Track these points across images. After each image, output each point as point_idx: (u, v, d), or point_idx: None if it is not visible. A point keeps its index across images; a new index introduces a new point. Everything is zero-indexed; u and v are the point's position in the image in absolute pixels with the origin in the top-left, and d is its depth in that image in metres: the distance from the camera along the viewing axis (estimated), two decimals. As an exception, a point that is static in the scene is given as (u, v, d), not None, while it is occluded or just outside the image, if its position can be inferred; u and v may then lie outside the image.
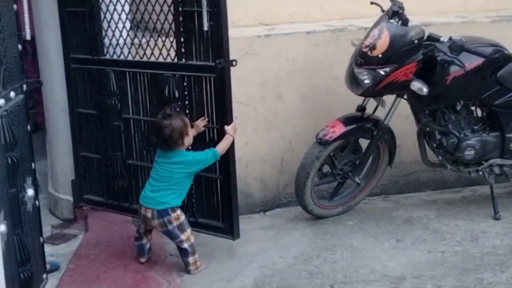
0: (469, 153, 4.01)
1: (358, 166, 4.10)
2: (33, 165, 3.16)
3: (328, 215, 4.17)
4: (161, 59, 3.72)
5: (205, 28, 3.45)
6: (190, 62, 3.60)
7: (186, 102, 3.67)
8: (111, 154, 3.97)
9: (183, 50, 3.61)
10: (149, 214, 3.51)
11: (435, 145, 4.05)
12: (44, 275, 3.28)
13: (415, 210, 4.27)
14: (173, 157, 3.50)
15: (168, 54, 3.70)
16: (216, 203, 3.72)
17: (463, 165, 4.09)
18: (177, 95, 3.66)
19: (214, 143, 3.60)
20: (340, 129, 3.93)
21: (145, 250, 3.66)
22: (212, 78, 3.56)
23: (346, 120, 3.99)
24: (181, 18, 3.58)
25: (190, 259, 3.54)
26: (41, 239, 3.26)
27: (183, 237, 3.51)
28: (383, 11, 3.94)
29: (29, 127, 3.14)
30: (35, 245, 3.14)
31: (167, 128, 3.44)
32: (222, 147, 3.56)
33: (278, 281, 3.47)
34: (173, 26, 3.64)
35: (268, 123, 4.39)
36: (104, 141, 3.99)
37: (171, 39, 3.67)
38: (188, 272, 3.55)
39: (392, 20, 3.84)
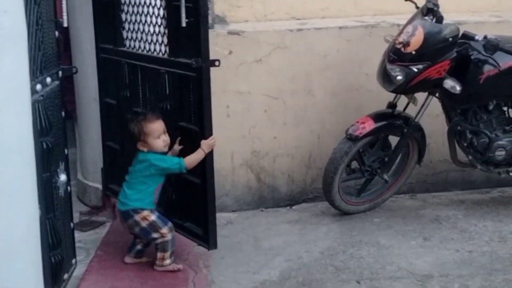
0: (500, 154, 3.98)
1: (387, 163, 4.09)
2: (66, 151, 3.19)
3: (355, 212, 4.16)
4: (160, 55, 3.64)
5: (183, 24, 3.31)
6: (176, 59, 3.49)
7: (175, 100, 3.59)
8: (124, 147, 3.98)
9: (170, 46, 3.53)
10: (120, 217, 3.56)
11: (465, 144, 4.02)
12: (73, 260, 3.32)
13: (442, 209, 4.25)
14: (137, 157, 3.52)
15: (166, 50, 3.60)
16: (196, 208, 3.59)
17: (493, 165, 4.06)
18: (167, 91, 3.59)
19: (192, 146, 3.48)
20: (370, 125, 3.92)
21: (132, 250, 3.61)
22: (192, 77, 3.42)
23: (377, 117, 3.97)
24: (166, 13, 3.51)
25: (158, 255, 3.50)
26: (72, 224, 3.29)
27: (155, 235, 3.47)
28: (417, 8, 3.92)
29: (63, 113, 3.17)
30: (66, 230, 3.18)
31: (129, 130, 3.51)
32: (191, 160, 3.45)
33: (304, 274, 3.47)
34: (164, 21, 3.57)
35: (297, 118, 4.38)
36: (121, 133, 4.01)
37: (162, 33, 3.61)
38: (153, 266, 3.53)
39: (426, 17, 3.81)
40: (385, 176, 4.07)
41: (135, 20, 3.82)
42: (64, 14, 3.08)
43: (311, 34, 4.33)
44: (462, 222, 4.05)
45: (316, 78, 4.36)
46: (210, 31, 3.94)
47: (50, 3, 3.01)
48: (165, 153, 3.52)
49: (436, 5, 3.83)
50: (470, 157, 4.06)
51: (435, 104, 4.08)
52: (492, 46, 3.66)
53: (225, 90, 4.22)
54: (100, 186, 4.36)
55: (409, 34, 3.75)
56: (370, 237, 3.86)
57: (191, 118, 3.55)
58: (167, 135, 3.50)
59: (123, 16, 3.90)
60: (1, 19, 1.78)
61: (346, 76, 4.39)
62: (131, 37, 3.88)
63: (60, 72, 3.13)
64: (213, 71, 3.41)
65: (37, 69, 2.84)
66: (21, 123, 2.01)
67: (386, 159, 4.08)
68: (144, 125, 3.45)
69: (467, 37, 3.78)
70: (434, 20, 3.79)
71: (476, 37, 3.73)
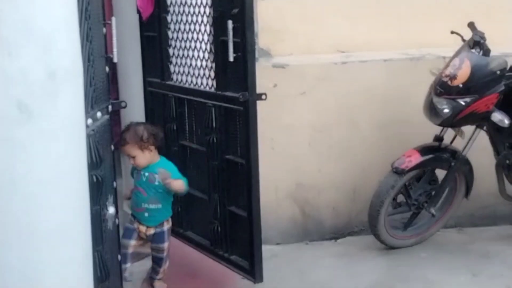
0: (550, 188, 3.90)
1: (434, 197, 4.04)
2: (114, 183, 3.23)
3: (401, 246, 4.11)
4: (207, 89, 3.70)
5: (230, 59, 3.37)
6: (223, 92, 3.54)
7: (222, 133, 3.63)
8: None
9: (217, 80, 3.59)
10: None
11: (514, 178, 3.96)
12: (120, 292, 3.33)
13: (491, 244, 4.17)
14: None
15: (213, 84, 3.66)
16: (241, 241, 3.59)
17: (543, 200, 3.98)
18: (214, 125, 3.63)
19: (238, 179, 3.54)
20: (416, 158, 3.88)
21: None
22: (239, 111, 3.47)
23: (423, 150, 3.94)
24: (214, 48, 3.56)
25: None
26: (119, 257, 3.31)
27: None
28: (463, 40, 3.90)
29: (112, 147, 3.22)
30: (114, 262, 3.20)
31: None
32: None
33: (351, 309, 3.44)
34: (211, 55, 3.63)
35: (342, 150, 4.37)
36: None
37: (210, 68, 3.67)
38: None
39: (473, 50, 3.79)
40: (432, 210, 4.02)
41: (183, 55, 3.89)
42: (115, 49, 3.15)
43: (356, 67, 4.34)
44: (512, 257, 3.97)
45: (361, 111, 4.35)
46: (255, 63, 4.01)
47: (101, 40, 3.07)
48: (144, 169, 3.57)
49: (483, 38, 3.80)
50: (519, 191, 3.99)
51: (482, 137, 4.03)
52: (541, 79, 3.61)
53: (270, 122, 4.22)
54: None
55: (456, 67, 3.73)
56: (417, 272, 3.81)
57: (238, 152, 3.58)
58: (131, 157, 3.58)
59: (171, 51, 3.98)
60: (61, 60, 1.83)
61: (391, 108, 4.37)
62: (178, 71, 3.95)
63: (110, 107, 3.18)
64: (258, 104, 3.45)
65: (89, 104, 2.88)
66: (77, 158, 2.06)
67: (433, 192, 4.04)
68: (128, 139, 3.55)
69: (516, 70, 3.74)
70: (481, 53, 3.77)
71: (525, 70, 3.69)
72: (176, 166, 3.62)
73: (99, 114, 3.01)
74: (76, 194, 2.09)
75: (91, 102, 2.91)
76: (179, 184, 3.52)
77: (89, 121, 2.86)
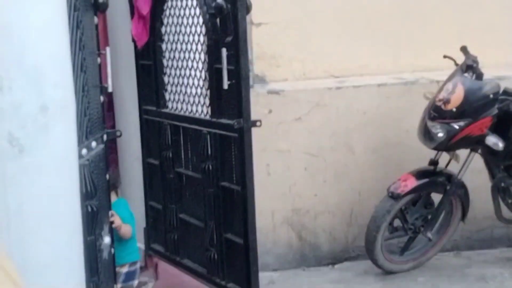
0: (546, 210, 3.90)
1: (430, 221, 4.04)
2: (110, 213, 3.23)
3: (399, 271, 4.10)
4: (202, 116, 3.70)
5: (225, 86, 3.37)
6: (218, 120, 3.54)
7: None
8: (167, 206, 4.02)
9: (212, 107, 3.59)
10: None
11: (510, 201, 3.96)
12: (116, 323, 3.32)
13: (488, 267, 4.16)
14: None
15: (208, 111, 3.65)
16: (238, 268, 3.55)
17: (539, 222, 3.98)
18: (209, 152, 3.63)
19: (234, 206, 3.53)
20: (412, 183, 3.89)
21: None
22: (234, 138, 3.45)
23: (418, 174, 3.95)
24: (208, 75, 3.58)
25: None
26: (115, 287, 3.30)
27: None
28: (456, 64, 3.93)
29: (107, 176, 3.22)
30: (109, 292, 3.19)
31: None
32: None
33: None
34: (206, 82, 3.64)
35: (337, 175, 4.38)
36: (163, 193, 4.05)
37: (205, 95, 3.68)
38: None
39: (466, 74, 3.81)
40: (429, 234, 4.02)
41: (178, 83, 3.91)
42: (109, 79, 3.17)
43: (350, 92, 4.37)
44: (509, 281, 3.95)
45: (356, 135, 4.37)
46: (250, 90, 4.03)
47: (96, 70, 3.10)
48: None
49: (476, 62, 3.83)
50: (515, 213, 3.99)
51: (478, 160, 4.04)
52: (534, 102, 3.64)
53: (265, 148, 4.25)
54: (142, 246, 4.38)
55: (449, 92, 3.75)
56: (415, 296, 3.80)
57: (233, 178, 3.58)
58: None
59: (166, 79, 4.00)
60: (52, 93, 1.85)
61: (386, 132, 4.39)
62: (174, 99, 3.97)
63: (105, 136, 3.20)
64: (253, 130, 3.45)
65: (83, 134, 2.90)
66: (69, 191, 2.06)
67: (429, 216, 4.04)
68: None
69: (509, 93, 3.77)
70: (474, 77, 3.80)
71: (518, 93, 3.71)
72: (127, 207, 3.80)
73: (94, 143, 3.02)
74: (69, 227, 2.09)
75: (86, 132, 2.93)
76: (127, 230, 3.74)
77: (84, 151, 2.87)
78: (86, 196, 2.86)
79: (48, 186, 1.90)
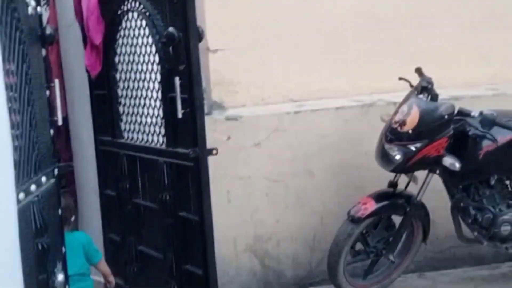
0: (506, 229, 3.91)
1: (392, 243, 4.02)
2: (63, 249, 3.14)
3: (363, 294, 4.07)
4: (158, 145, 3.66)
5: (179, 115, 3.34)
6: (174, 149, 3.51)
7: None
8: (126, 238, 3.95)
9: (168, 136, 3.56)
10: None
11: (470, 220, 3.96)
12: None
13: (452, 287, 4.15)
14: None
15: (163, 141, 3.62)
16: None
17: (499, 241, 3.99)
18: (166, 182, 3.59)
19: (192, 236, 3.48)
20: (372, 206, 3.87)
21: None
22: (190, 167, 3.42)
23: (378, 197, 3.93)
24: (163, 104, 3.55)
25: None
26: (71, 325, 3.21)
27: None
28: (411, 86, 3.94)
29: (59, 211, 3.14)
30: (65, 331, 3.09)
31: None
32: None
33: None
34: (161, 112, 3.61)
35: (299, 200, 4.35)
36: (122, 224, 3.98)
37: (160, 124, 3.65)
38: None
39: (421, 96, 3.83)
40: (391, 257, 4.00)
41: (133, 112, 3.87)
42: (59, 112, 3.10)
43: (309, 116, 4.35)
44: (473, 300, 3.95)
45: (316, 159, 4.35)
46: (208, 117, 4.00)
47: (45, 103, 3.03)
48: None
49: (431, 83, 3.85)
50: (475, 233, 3.99)
51: (437, 179, 4.04)
52: (488, 121, 3.66)
53: (225, 175, 4.20)
54: (102, 279, 4.29)
55: (405, 113, 3.76)
56: (379, 321, 3.76)
57: (191, 208, 3.53)
58: None
59: (121, 108, 3.95)
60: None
61: (345, 155, 4.38)
62: (129, 129, 3.92)
63: (56, 170, 3.12)
64: (212, 157, 3.41)
65: (31, 170, 2.82)
66: (7, 236, 1.97)
67: (390, 239, 4.02)
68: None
69: (463, 113, 3.79)
70: (429, 98, 3.81)
71: (472, 113, 3.73)
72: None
73: (44, 179, 2.94)
74: (6, 275, 2.00)
75: (34, 167, 2.85)
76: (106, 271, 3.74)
77: (33, 187, 2.79)
78: (36, 234, 2.78)
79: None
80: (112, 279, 3.72)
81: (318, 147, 4.34)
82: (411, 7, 4.68)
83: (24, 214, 2.61)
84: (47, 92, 3.10)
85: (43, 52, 3.06)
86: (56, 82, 3.10)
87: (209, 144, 3.42)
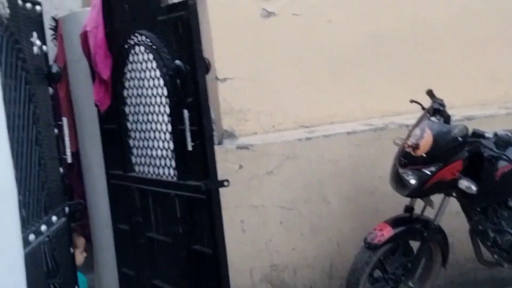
0: (526, 251, 3.83)
1: (411, 269, 3.94)
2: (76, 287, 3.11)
3: (383, 322, 3.98)
4: (169, 178, 3.63)
5: (189, 148, 3.31)
6: (185, 182, 3.47)
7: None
8: (140, 272, 3.91)
9: (179, 169, 3.53)
10: None
11: (489, 243, 3.88)
12: None
13: (474, 311, 4.07)
14: None
15: (174, 173, 3.58)
16: None
17: (521, 263, 3.90)
18: (178, 215, 3.55)
19: (206, 269, 3.42)
20: (388, 232, 3.80)
21: None
22: (201, 199, 3.37)
23: (395, 222, 3.86)
24: (173, 137, 3.53)
25: None
26: None
27: None
28: (423, 109, 3.89)
29: (71, 249, 3.12)
30: None
31: None
32: None
33: None
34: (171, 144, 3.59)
35: (314, 227, 4.29)
36: (135, 258, 3.94)
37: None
38: None
39: (433, 118, 3.77)
40: (410, 283, 3.91)
41: (143, 145, 3.84)
42: (68, 150, 3.09)
43: (320, 142, 4.31)
44: (496, 324, 3.86)
45: (329, 185, 4.30)
46: (219, 147, 3.99)
47: (53, 141, 3.02)
48: None
49: (443, 105, 3.80)
50: (495, 256, 3.91)
51: (454, 202, 3.97)
52: (503, 142, 3.60)
53: (238, 205, 4.16)
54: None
55: (418, 137, 3.70)
56: None
57: (204, 241, 3.48)
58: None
59: (131, 142, 3.93)
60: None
61: (359, 180, 4.32)
62: (140, 162, 3.89)
63: (66, 209, 3.10)
64: (225, 187, 3.37)
65: (41, 210, 2.81)
66: (12, 280, 1.95)
67: (409, 265, 3.93)
68: (76, 238, 3.43)
69: (477, 135, 3.72)
70: (441, 120, 3.75)
71: (486, 135, 3.67)
72: None
73: (54, 218, 2.93)
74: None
75: (44, 207, 2.83)
76: None
77: (43, 227, 2.77)
78: (48, 274, 2.76)
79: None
80: None
81: (331, 172, 4.29)
82: (419, 28, 4.65)
83: (34, 256, 2.60)
84: (56, 130, 3.09)
85: (50, 90, 3.06)
86: (64, 120, 3.10)
87: (221, 173, 3.39)
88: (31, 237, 2.53)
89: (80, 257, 3.66)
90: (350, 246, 4.19)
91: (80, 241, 3.78)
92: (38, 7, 2.93)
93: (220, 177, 3.37)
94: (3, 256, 1.82)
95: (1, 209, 1.83)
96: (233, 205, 4.05)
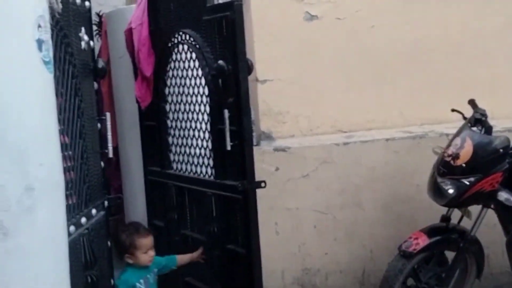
0: None
1: (445, 279, 3.90)
2: (112, 281, 3.15)
3: (415, 331, 3.95)
4: (206, 177, 3.65)
5: (228, 147, 3.32)
6: (222, 181, 3.48)
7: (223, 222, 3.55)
8: (173, 270, 3.92)
9: (216, 168, 3.54)
10: None
11: (526, 257, 3.83)
12: None
13: (508, 325, 4.01)
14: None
15: (212, 172, 3.60)
16: None
17: (558, 278, 3.84)
18: (214, 214, 3.57)
19: (240, 269, 3.44)
20: (424, 241, 3.77)
21: None
22: (238, 199, 3.38)
23: (430, 231, 3.82)
24: (212, 136, 3.55)
25: None
26: None
27: None
28: (465, 118, 3.85)
29: (109, 243, 3.16)
30: None
31: (119, 241, 3.45)
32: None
33: None
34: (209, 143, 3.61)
35: (348, 232, 4.28)
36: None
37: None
38: None
39: (474, 128, 3.73)
40: (444, 293, 3.88)
41: (182, 143, 3.87)
42: (109, 144, 3.13)
43: (358, 147, 4.30)
44: None
45: (365, 191, 4.28)
46: (256, 148, 3.99)
47: (96, 135, 3.07)
48: (148, 268, 3.48)
49: (484, 115, 3.75)
50: (532, 270, 3.85)
51: (492, 214, 3.92)
52: (544, 155, 3.54)
53: (273, 207, 4.16)
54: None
55: (458, 147, 3.66)
56: None
57: (238, 241, 3.50)
58: (153, 250, 3.48)
59: (170, 139, 3.96)
60: (37, 172, 1.79)
61: (395, 188, 4.30)
62: (178, 160, 3.92)
63: (106, 202, 3.14)
64: (260, 188, 3.39)
65: (82, 202, 2.85)
66: (58, 273, 1.98)
67: (443, 275, 3.89)
68: (136, 239, 3.43)
69: (519, 147, 3.67)
70: (483, 131, 3.71)
71: (528, 147, 3.62)
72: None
73: (94, 211, 2.97)
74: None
75: (85, 200, 2.88)
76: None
77: (83, 219, 2.82)
78: (86, 266, 2.80)
79: (35, 270, 1.82)
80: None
81: (368, 179, 4.27)
82: (463, 36, 4.61)
83: (74, 247, 2.64)
84: (98, 125, 3.14)
85: (95, 85, 3.11)
86: (107, 115, 3.15)
87: (257, 175, 3.40)
88: (71, 228, 2.57)
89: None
90: (384, 253, 4.16)
91: None
92: (87, 3, 2.98)
93: (256, 178, 3.39)
94: (50, 245, 1.85)
95: (51, 200, 1.86)
96: (267, 207, 4.05)
